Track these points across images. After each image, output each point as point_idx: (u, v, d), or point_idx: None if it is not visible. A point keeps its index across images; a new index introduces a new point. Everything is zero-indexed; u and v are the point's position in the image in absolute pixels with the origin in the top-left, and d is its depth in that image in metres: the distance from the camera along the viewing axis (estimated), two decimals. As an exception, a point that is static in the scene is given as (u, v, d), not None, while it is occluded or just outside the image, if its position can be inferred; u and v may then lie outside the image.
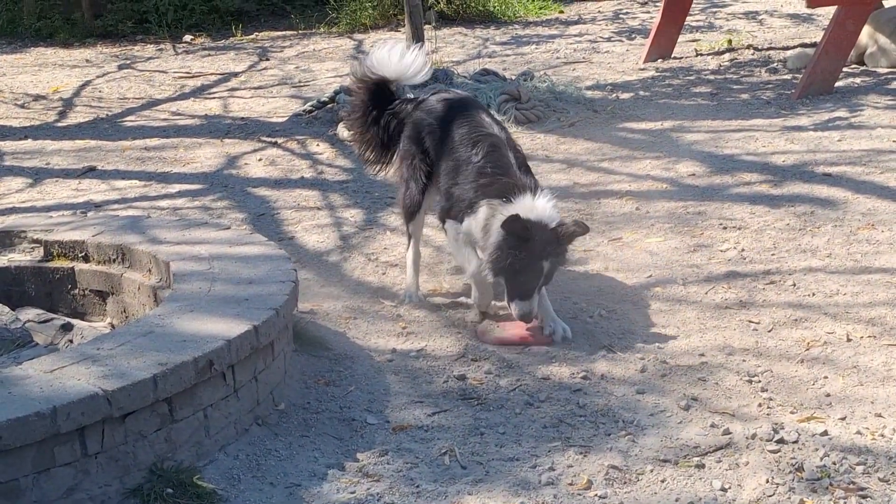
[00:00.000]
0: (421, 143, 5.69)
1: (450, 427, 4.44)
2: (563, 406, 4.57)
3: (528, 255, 5.02)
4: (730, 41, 10.96)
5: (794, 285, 5.51)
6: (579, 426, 4.40)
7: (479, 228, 5.23)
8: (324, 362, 5.01)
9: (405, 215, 5.83)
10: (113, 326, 5.19)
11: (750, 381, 4.63)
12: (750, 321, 5.19)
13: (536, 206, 5.08)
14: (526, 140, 8.40)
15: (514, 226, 4.97)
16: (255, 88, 11.09)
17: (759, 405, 4.44)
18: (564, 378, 4.81)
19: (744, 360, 4.83)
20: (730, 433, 4.24)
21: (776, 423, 4.27)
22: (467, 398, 4.68)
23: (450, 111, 5.66)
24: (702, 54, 10.70)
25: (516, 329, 5.27)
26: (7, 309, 4.94)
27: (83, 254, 5.38)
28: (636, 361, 4.90)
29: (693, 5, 10.91)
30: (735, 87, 9.45)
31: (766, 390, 4.55)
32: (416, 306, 5.66)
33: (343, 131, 8.93)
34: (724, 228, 6.31)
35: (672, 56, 10.58)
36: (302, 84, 11.15)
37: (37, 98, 11.17)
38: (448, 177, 5.48)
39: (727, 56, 10.55)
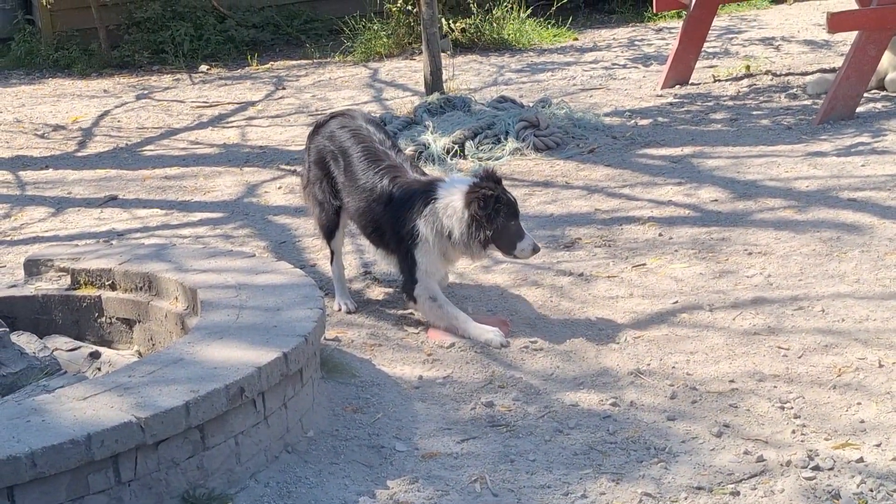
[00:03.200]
0: (325, 168, 5.98)
1: (479, 454, 4.42)
2: (593, 433, 4.55)
3: (502, 201, 5.42)
4: (748, 67, 10.96)
5: (823, 311, 5.48)
6: (610, 453, 4.37)
7: (434, 240, 5.51)
8: (351, 389, 5.00)
9: (325, 235, 6.13)
10: (140, 354, 5.19)
11: (782, 408, 4.61)
12: (779, 347, 5.16)
13: (455, 180, 5.62)
14: (545, 167, 8.40)
15: (475, 193, 5.38)
16: (272, 117, 11.12)
17: (793, 432, 4.41)
18: (593, 405, 4.79)
19: (775, 387, 4.80)
20: (764, 460, 4.21)
21: (811, 450, 4.25)
22: (496, 425, 4.67)
23: (348, 140, 5.91)
24: (720, 80, 10.70)
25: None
26: (35, 337, 4.95)
27: (110, 282, 5.38)
28: (665, 388, 4.88)
29: (709, 31, 10.90)
30: (755, 112, 9.44)
31: (799, 417, 4.53)
32: (351, 311, 5.98)
33: (362, 159, 8.93)
34: (750, 254, 6.29)
35: (690, 82, 10.58)
36: (319, 112, 11.15)
37: (56, 128, 11.21)
38: (365, 218, 5.80)
39: (745, 82, 10.55)
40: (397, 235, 5.63)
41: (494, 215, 5.40)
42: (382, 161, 5.77)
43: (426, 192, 5.55)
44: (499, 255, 5.67)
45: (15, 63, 14.80)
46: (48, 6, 14.19)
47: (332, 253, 6.15)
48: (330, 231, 6.09)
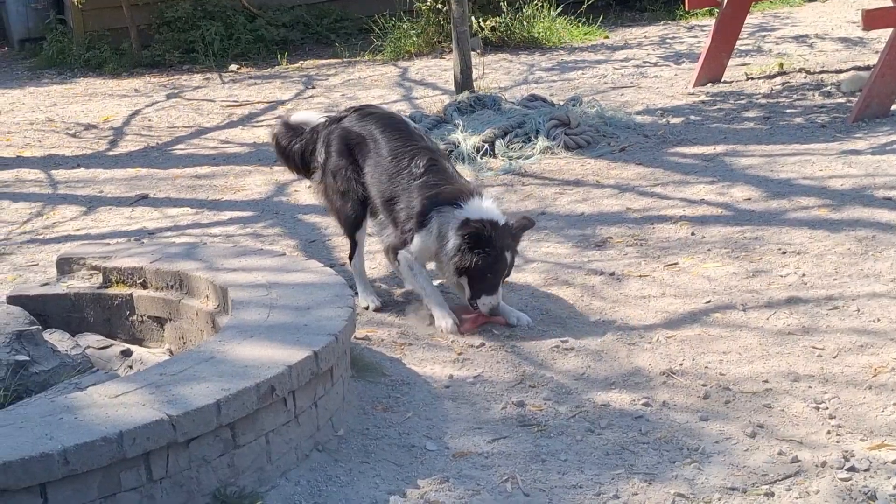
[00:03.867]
0: (351, 156, 5.97)
1: (510, 454, 4.40)
2: (625, 433, 4.51)
3: (494, 252, 5.45)
4: (781, 65, 10.87)
5: (858, 311, 5.42)
6: (643, 453, 4.34)
7: (434, 238, 5.60)
8: (381, 388, 4.98)
9: (350, 226, 6.10)
10: (171, 352, 5.20)
11: (817, 408, 4.56)
12: (814, 347, 5.11)
13: (485, 207, 5.54)
14: (576, 165, 8.36)
15: (478, 226, 5.42)
16: (302, 116, 11.12)
17: (828, 432, 4.36)
18: (625, 405, 4.76)
19: (809, 387, 4.75)
20: (799, 461, 4.17)
21: (846, 451, 4.20)
22: (527, 425, 4.64)
23: (377, 126, 5.97)
24: (752, 78, 10.62)
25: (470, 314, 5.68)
26: (67, 335, 4.97)
27: (141, 280, 5.39)
28: (698, 388, 4.84)
29: (742, 29, 10.82)
30: (788, 110, 9.36)
31: (834, 417, 4.47)
32: (379, 308, 5.98)
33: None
34: (784, 253, 6.23)
35: (722, 80, 10.50)
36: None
37: (88, 127, 11.26)
38: (387, 195, 5.83)
39: (779, 80, 10.47)
40: (409, 212, 5.70)
41: (478, 254, 5.46)
42: (420, 142, 5.87)
43: (456, 196, 5.61)
44: (463, 292, 5.67)
45: (47, 63, 14.88)
46: (80, 6, 14.25)
47: (355, 246, 6.12)
48: (356, 222, 6.07)
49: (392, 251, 5.90)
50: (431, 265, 5.94)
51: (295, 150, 6.36)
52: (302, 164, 6.38)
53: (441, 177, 5.72)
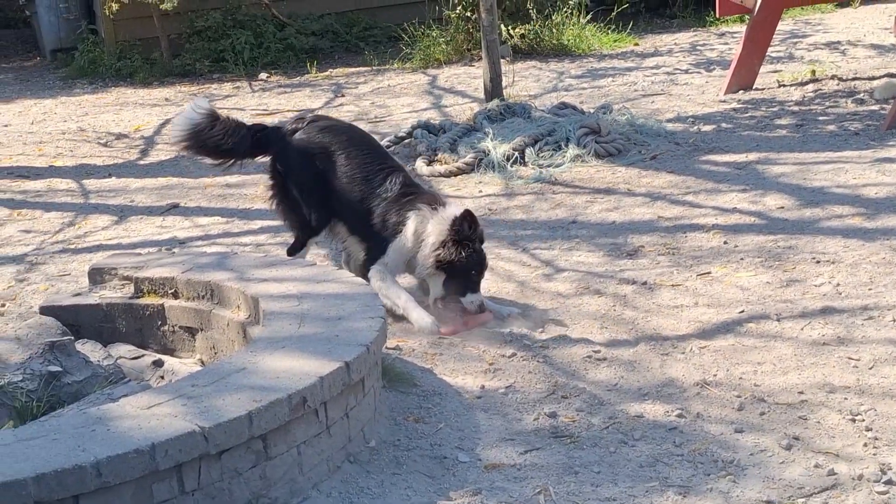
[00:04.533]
0: (313, 169, 6.08)
1: (543, 466, 4.37)
2: (658, 445, 4.48)
3: (478, 249, 5.70)
4: (813, 72, 10.79)
5: (894, 321, 5.36)
6: (677, 466, 4.30)
7: (410, 239, 5.77)
8: (412, 399, 4.96)
9: (308, 233, 6.25)
10: (202, 363, 5.20)
11: (853, 420, 4.50)
12: (849, 358, 5.05)
13: (455, 211, 5.75)
14: (607, 173, 8.33)
15: (469, 221, 5.64)
16: (332, 124, 11.13)
17: (865, 445, 4.31)
18: (659, 416, 4.72)
19: (845, 399, 4.69)
20: (835, 474, 4.12)
21: (883, 464, 4.14)
22: (559, 436, 4.61)
23: (341, 142, 6.11)
24: (784, 85, 10.55)
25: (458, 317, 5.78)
26: (99, 345, 4.98)
27: (173, 290, 5.40)
28: (733, 399, 4.79)
29: (773, 36, 10.75)
30: (821, 118, 9.29)
31: (871, 429, 4.42)
32: None
33: (421, 166, 8.91)
34: (818, 262, 6.17)
35: (754, 87, 10.44)
36: (378, 120, 11.17)
37: (119, 136, 11.31)
38: (358, 217, 5.99)
39: (811, 87, 10.39)
40: (383, 223, 5.87)
41: (467, 250, 5.66)
42: (389, 159, 6.11)
43: (433, 201, 5.85)
44: (443, 294, 5.82)
45: (78, 72, 14.97)
46: (111, 16, 14.34)
47: (302, 248, 6.27)
48: (315, 231, 6.24)
49: (363, 268, 6.01)
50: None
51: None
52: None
53: (414, 189, 5.97)
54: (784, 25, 13.25)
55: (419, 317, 5.73)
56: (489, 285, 6.35)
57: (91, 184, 9.42)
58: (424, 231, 5.78)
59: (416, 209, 5.81)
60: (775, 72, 11.13)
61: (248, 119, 11.56)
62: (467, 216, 5.70)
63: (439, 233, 5.72)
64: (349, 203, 6.05)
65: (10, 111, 13.03)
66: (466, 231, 5.69)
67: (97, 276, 5.70)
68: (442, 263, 5.71)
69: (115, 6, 14.04)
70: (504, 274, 6.52)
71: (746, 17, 11.17)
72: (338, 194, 6.08)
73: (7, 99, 13.88)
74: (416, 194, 5.94)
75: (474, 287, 5.76)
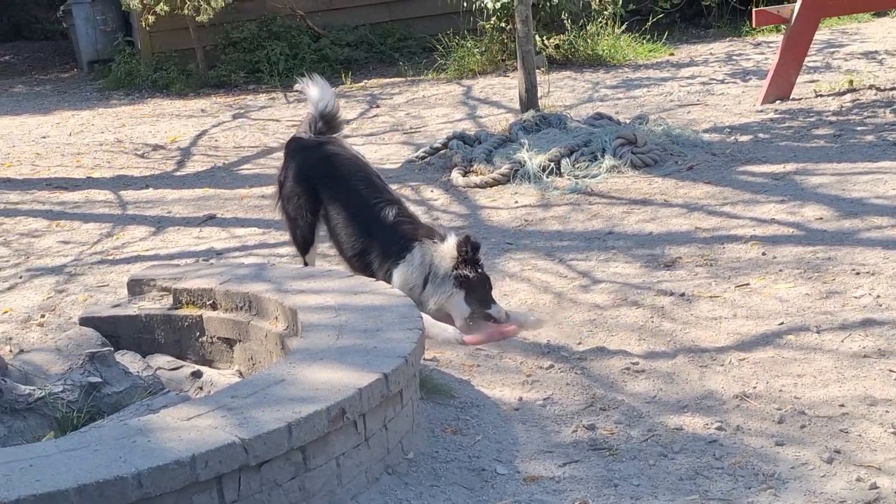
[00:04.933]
0: (308, 186, 6.20)
1: (582, 478, 4.34)
2: (698, 458, 4.45)
3: (484, 268, 5.80)
4: (851, 81, 10.72)
5: (936, 333, 5.31)
6: (717, 479, 4.27)
7: (417, 267, 5.79)
8: (450, 411, 4.95)
9: (300, 249, 6.40)
10: (240, 374, 5.22)
11: (895, 433, 4.45)
12: (890, 370, 4.99)
13: (458, 237, 5.81)
14: (643, 184, 8.30)
15: (471, 243, 5.72)
16: (366, 135, 11.16)
17: (907, 458, 4.26)
18: (698, 429, 4.69)
19: (887, 412, 4.64)
20: (877, 487, 4.07)
21: (927, 478, 4.10)
22: (598, 448, 4.59)
23: (343, 168, 6.18)
24: (821, 95, 10.48)
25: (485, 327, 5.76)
26: (138, 356, 5.00)
27: (211, 301, 5.42)
28: (773, 412, 4.75)
29: (810, 46, 10.68)
30: (859, 128, 9.22)
31: (914, 443, 4.38)
32: None
33: (457, 177, 8.92)
34: (857, 274, 6.12)
35: (790, 97, 10.38)
36: (413, 130, 11.19)
37: (155, 148, 11.39)
38: (358, 249, 6.03)
39: (848, 97, 10.32)
40: (385, 254, 5.88)
41: (479, 266, 5.77)
42: (386, 194, 6.09)
43: (431, 233, 5.91)
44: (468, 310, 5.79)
45: (115, 84, 15.10)
46: (147, 28, 14.46)
47: (305, 265, 6.35)
48: (306, 246, 6.37)
49: None
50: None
51: None
52: None
53: (411, 220, 6.01)
54: (821, 35, 13.16)
55: (441, 329, 5.66)
56: (525, 296, 6.35)
57: (128, 195, 9.49)
58: (433, 259, 5.79)
59: (419, 243, 5.85)
60: (812, 82, 11.07)
61: (282, 129, 11.64)
62: (469, 238, 5.77)
63: (451, 257, 5.76)
64: (347, 233, 6.11)
65: (49, 122, 13.16)
66: (472, 251, 5.74)
67: (136, 287, 5.73)
68: (461, 279, 5.72)
69: (151, 18, 14.16)
70: (541, 285, 6.51)
71: (783, 27, 11.12)
72: (335, 223, 6.16)
73: (45, 110, 14.01)
74: (416, 226, 5.99)
75: (492, 299, 5.79)
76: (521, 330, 5.79)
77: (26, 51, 20.63)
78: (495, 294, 6.26)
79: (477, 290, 5.75)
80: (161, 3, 13.98)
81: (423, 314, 5.69)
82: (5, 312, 6.72)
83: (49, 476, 3.46)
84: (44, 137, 12.29)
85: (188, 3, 13.97)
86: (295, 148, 6.45)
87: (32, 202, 9.48)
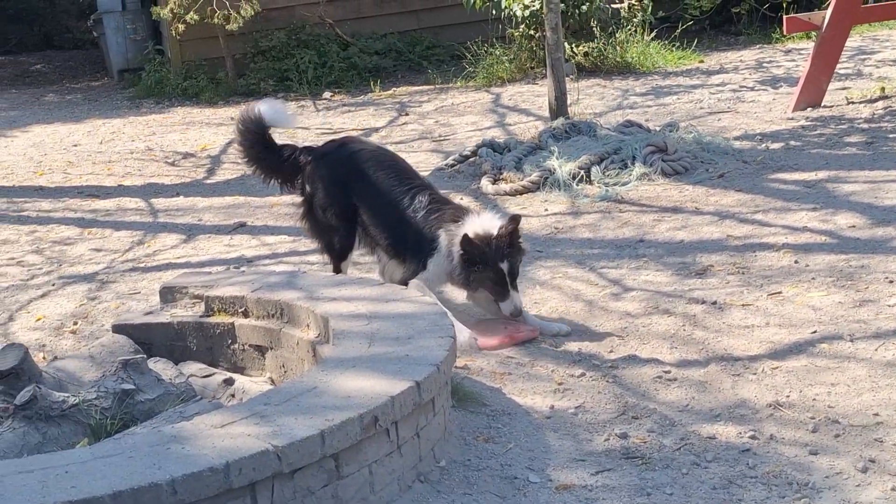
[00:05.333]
0: (341, 193, 6.28)
1: (614, 487, 4.33)
2: (732, 467, 4.42)
3: (485, 264, 5.74)
4: (882, 88, 10.65)
5: (972, 341, 5.26)
6: (751, 488, 4.24)
7: (444, 257, 5.89)
8: (481, 419, 4.95)
9: (337, 257, 6.43)
10: (272, 381, 5.23)
11: (931, 443, 4.42)
12: (926, 379, 4.96)
13: (482, 221, 5.86)
14: (674, 192, 8.27)
15: (465, 244, 5.72)
16: (395, 143, 11.17)
17: (944, 468, 4.23)
18: (731, 437, 4.66)
19: (922, 421, 4.61)
20: (913, 497, 4.04)
21: (964, 488, 4.06)
22: (630, 457, 4.57)
23: (369, 165, 6.26)
24: (853, 102, 10.42)
25: (502, 331, 5.85)
26: (171, 364, 5.02)
27: (243, 309, 5.43)
28: (806, 421, 4.72)
29: (841, 53, 10.62)
30: (891, 135, 9.15)
31: (950, 452, 4.34)
32: None
33: (487, 185, 8.92)
34: (891, 282, 6.07)
35: (822, 105, 10.32)
36: (442, 138, 11.20)
37: (186, 156, 11.45)
38: (392, 239, 6.17)
39: (881, 104, 10.25)
40: (419, 243, 6.00)
41: (475, 270, 5.80)
42: (415, 179, 6.21)
43: (456, 216, 5.96)
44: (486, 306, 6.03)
45: (145, 92, 15.18)
46: (177, 37, 14.53)
47: (338, 272, 6.40)
48: (342, 255, 6.44)
49: (402, 284, 6.05)
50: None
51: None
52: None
53: (441, 204, 6.07)
54: (852, 42, 13.08)
55: (458, 330, 5.66)
56: (556, 304, 6.33)
57: (159, 203, 9.53)
58: (453, 253, 5.87)
59: (445, 230, 5.92)
60: (844, 89, 11.01)
61: (311, 137, 11.67)
62: (465, 240, 5.76)
63: (456, 256, 5.83)
64: (381, 225, 6.21)
65: (80, 131, 13.25)
66: (475, 251, 5.78)
67: (168, 294, 5.76)
68: (468, 283, 5.89)
69: (181, 27, 14.24)
70: (571, 293, 6.49)
71: (813, 33, 11.06)
72: (368, 218, 6.24)
73: (76, 119, 14.11)
74: (443, 209, 6.05)
75: (503, 295, 5.85)
76: (539, 334, 5.83)
77: (57, 60, 20.79)
78: (526, 300, 6.30)
79: (488, 286, 5.85)
80: (191, 13, 14.06)
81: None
82: (38, 320, 6.76)
83: (84, 482, 3.48)
84: (75, 146, 12.37)
85: (218, 12, 14.04)
86: (315, 156, 6.47)
87: (64, 210, 9.54)
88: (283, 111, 6.82)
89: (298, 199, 6.65)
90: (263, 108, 6.59)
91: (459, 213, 6.00)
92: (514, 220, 5.88)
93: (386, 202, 6.15)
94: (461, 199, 8.81)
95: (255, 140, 6.63)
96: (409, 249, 6.10)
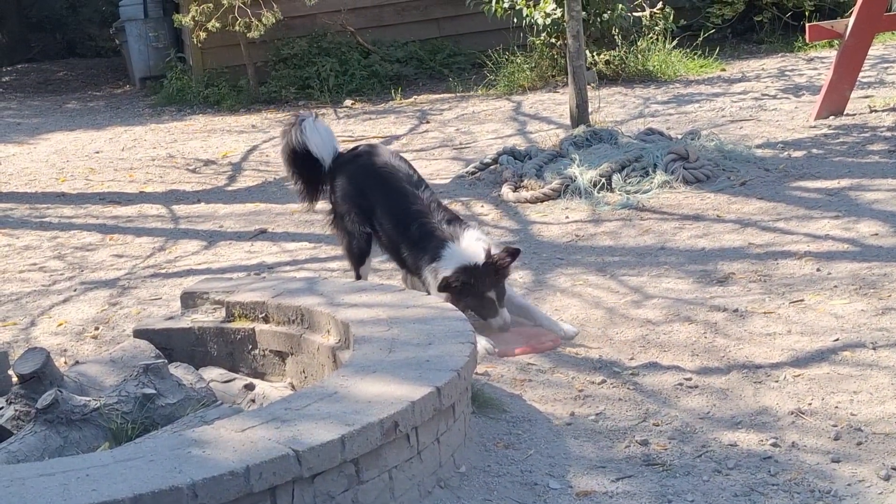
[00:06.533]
0: (357, 198, 6.38)
1: (635, 493, 4.31)
2: (753, 474, 4.40)
3: (473, 295, 5.84)
4: (905, 97, 10.63)
5: None
6: (772, 496, 4.22)
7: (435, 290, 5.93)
8: (502, 425, 4.94)
9: (355, 262, 6.49)
10: (293, 387, 5.23)
11: (955, 451, 4.39)
12: (950, 387, 4.93)
13: (464, 250, 5.89)
14: (695, 200, 8.25)
15: (446, 286, 5.80)
16: (416, 151, 11.18)
17: (968, 477, 4.19)
18: (753, 445, 4.64)
19: (946, 429, 4.58)
20: (937, 506, 4.01)
21: None
22: (651, 464, 4.55)
23: (380, 174, 6.35)
24: (876, 111, 10.37)
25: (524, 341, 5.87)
26: (192, 369, 5.02)
27: (263, 315, 5.44)
28: (829, 428, 4.70)
29: (864, 61, 10.57)
30: (914, 143, 9.13)
31: (974, 461, 4.30)
32: None
33: (508, 193, 8.91)
34: (914, 290, 6.04)
35: (844, 113, 10.28)
36: (463, 146, 11.20)
37: (207, 163, 11.48)
38: (401, 247, 6.22)
39: (903, 112, 10.23)
40: (418, 260, 6.07)
41: (465, 299, 5.85)
42: (418, 189, 6.25)
43: (437, 248, 5.96)
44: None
45: (167, 100, 15.24)
46: (199, 44, 14.58)
47: (359, 279, 6.44)
48: (360, 259, 6.47)
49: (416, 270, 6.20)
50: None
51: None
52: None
53: (426, 236, 6.03)
54: (874, 50, 13.00)
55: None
56: (577, 311, 6.32)
57: (180, 209, 9.56)
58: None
59: (427, 267, 5.99)
60: (866, 97, 10.95)
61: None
62: (445, 283, 5.83)
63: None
64: (394, 239, 6.27)
65: (102, 138, 13.31)
66: (459, 285, 5.83)
67: (189, 300, 5.77)
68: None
69: (203, 35, 14.28)
70: (592, 300, 6.48)
71: (836, 42, 11.02)
72: (381, 228, 6.32)
73: (98, 126, 14.18)
74: (428, 244, 6.05)
75: (491, 313, 5.91)
76: (560, 343, 5.83)
77: (80, 67, 20.90)
78: (546, 307, 6.29)
79: (475, 309, 5.89)
80: (213, 20, 14.11)
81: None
82: (60, 325, 6.79)
83: (105, 486, 3.49)
84: (97, 152, 12.43)
85: (240, 20, 14.08)
86: (339, 163, 6.53)
87: (86, 216, 9.59)
88: (327, 135, 6.74)
89: (327, 206, 6.69)
90: (308, 133, 6.60)
91: (439, 248, 5.97)
92: (511, 254, 5.93)
93: (395, 216, 6.22)
94: (482, 206, 8.82)
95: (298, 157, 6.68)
96: (413, 264, 6.16)
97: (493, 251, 5.91)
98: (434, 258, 5.96)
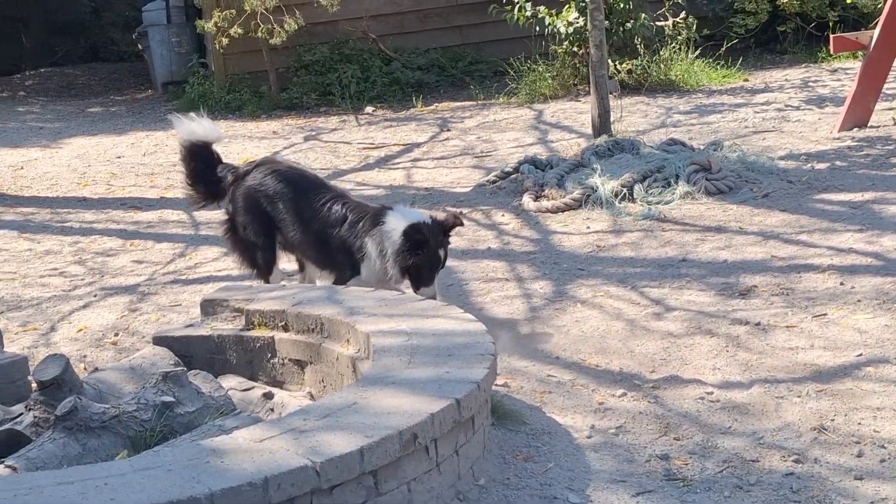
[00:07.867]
0: (259, 212, 6.45)
1: (655, 509, 4.28)
2: (775, 490, 4.36)
3: (429, 251, 5.99)
4: (930, 109, 10.55)
5: None
6: (795, 513, 4.19)
7: (375, 259, 6.07)
8: (521, 437, 4.91)
9: (264, 272, 6.57)
10: (311, 396, 5.21)
11: (980, 470, 4.34)
12: (975, 405, 4.87)
13: (406, 215, 6.09)
14: (717, 211, 8.20)
15: (412, 231, 5.92)
16: (437, 159, 11.17)
17: None
18: (775, 461, 4.60)
19: (971, 447, 4.53)
20: (962, 526, 3.97)
21: None
22: (672, 479, 4.52)
23: (284, 186, 6.42)
24: (900, 123, 10.32)
25: None
26: (211, 377, 5.01)
27: (283, 323, 5.43)
28: (851, 445, 4.65)
29: (889, 72, 10.50)
30: (939, 157, 9.06)
31: None
32: None
33: (528, 202, 8.88)
34: (939, 305, 5.99)
35: (868, 125, 10.21)
36: (483, 154, 11.17)
37: (228, 169, 11.47)
38: (319, 252, 6.37)
39: (928, 125, 10.15)
40: (347, 251, 6.16)
41: (418, 255, 5.97)
42: (329, 191, 6.39)
43: (376, 216, 6.10)
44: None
45: (189, 105, 15.20)
46: (221, 50, 14.60)
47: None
48: (269, 269, 6.57)
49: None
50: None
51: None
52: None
53: (359, 213, 6.19)
54: (899, 61, 12.94)
55: None
56: (597, 323, 6.28)
57: (201, 215, 9.54)
58: (383, 248, 6.05)
59: (369, 236, 6.08)
60: (890, 109, 10.87)
61: (353, 151, 11.70)
62: (414, 229, 5.96)
63: (394, 247, 6.00)
64: (306, 241, 6.38)
65: (123, 143, 13.33)
66: (417, 238, 5.97)
67: (209, 307, 5.76)
68: (403, 270, 6.05)
69: (225, 41, 14.31)
70: (613, 312, 6.44)
71: (860, 53, 10.95)
72: (292, 234, 6.40)
73: (120, 131, 14.20)
74: (362, 215, 6.18)
75: (427, 281, 6.07)
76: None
77: (102, 72, 20.96)
78: (566, 319, 6.26)
79: (416, 272, 6.05)
80: (235, 26, 14.13)
81: None
82: (80, 331, 6.79)
83: (123, 495, 3.47)
84: (119, 157, 12.45)
85: (262, 26, 14.10)
86: (235, 179, 6.62)
87: (107, 221, 9.60)
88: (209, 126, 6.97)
89: (224, 217, 6.79)
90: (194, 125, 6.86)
91: (379, 216, 6.11)
92: (458, 219, 6.23)
93: (306, 218, 6.32)
94: (502, 215, 8.79)
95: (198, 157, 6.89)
96: (339, 257, 6.26)
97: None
98: (376, 223, 6.06)
